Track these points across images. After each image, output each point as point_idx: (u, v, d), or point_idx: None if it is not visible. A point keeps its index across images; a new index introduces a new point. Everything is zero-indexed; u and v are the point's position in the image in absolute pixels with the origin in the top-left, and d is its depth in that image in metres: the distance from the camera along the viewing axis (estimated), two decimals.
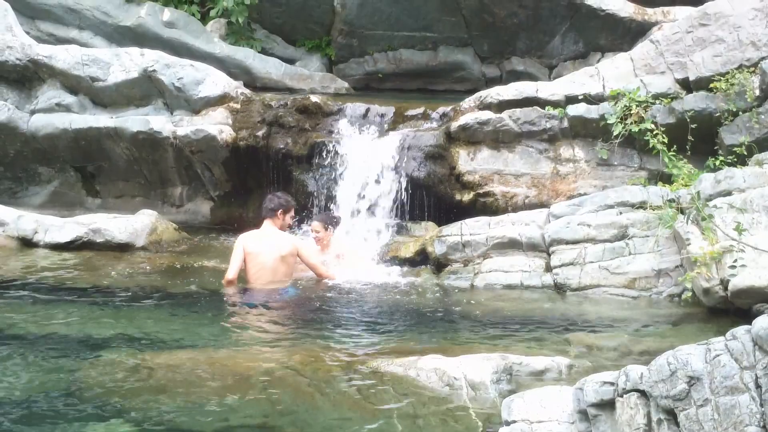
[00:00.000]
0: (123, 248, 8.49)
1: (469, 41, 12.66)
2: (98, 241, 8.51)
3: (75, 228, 8.56)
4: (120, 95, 10.31)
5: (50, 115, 10.30)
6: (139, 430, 3.98)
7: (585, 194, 8.13)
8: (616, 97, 8.67)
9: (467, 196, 8.96)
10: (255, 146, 9.79)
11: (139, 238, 8.66)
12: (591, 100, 8.84)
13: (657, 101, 8.52)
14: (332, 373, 4.80)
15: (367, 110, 9.89)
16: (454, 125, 9.12)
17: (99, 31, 12.64)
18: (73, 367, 4.86)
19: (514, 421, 3.56)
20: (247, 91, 10.47)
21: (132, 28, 12.48)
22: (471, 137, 9.09)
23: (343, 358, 5.12)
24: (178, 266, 7.97)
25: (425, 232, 8.59)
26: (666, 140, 8.19)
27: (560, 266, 7.26)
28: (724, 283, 6.17)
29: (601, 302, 6.84)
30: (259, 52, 12.73)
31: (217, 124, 9.85)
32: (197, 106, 10.11)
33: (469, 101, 9.38)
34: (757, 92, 8.10)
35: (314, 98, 10.03)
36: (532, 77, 11.74)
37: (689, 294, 6.52)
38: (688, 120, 8.23)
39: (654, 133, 8.27)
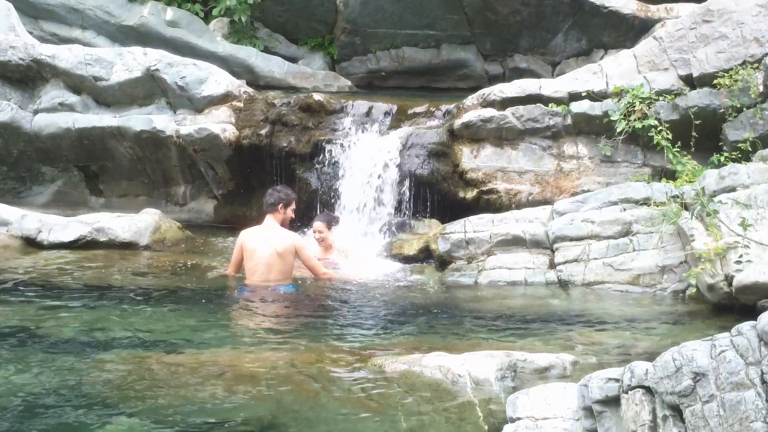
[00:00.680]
0: (127, 247, 8.50)
1: (472, 39, 12.66)
2: (102, 240, 8.53)
3: (79, 227, 8.58)
4: (123, 94, 10.32)
5: (53, 114, 10.31)
6: (144, 430, 3.97)
7: (589, 191, 8.13)
8: (619, 93, 8.66)
9: (471, 194, 8.97)
10: (258, 145, 9.80)
11: (142, 237, 8.67)
12: (594, 97, 8.84)
13: (660, 98, 8.52)
14: (337, 371, 4.80)
15: (370, 108, 9.89)
16: (458, 123, 9.12)
17: (102, 31, 12.66)
18: (77, 366, 4.85)
19: (519, 418, 3.56)
20: (250, 90, 10.48)
21: (135, 28, 12.50)
22: (474, 135, 9.09)
23: (348, 356, 5.11)
24: (182, 265, 7.97)
25: (429, 229, 8.59)
26: (670, 136, 8.19)
27: (564, 263, 7.27)
28: (729, 279, 6.15)
29: (605, 299, 6.83)
30: (261, 51, 12.76)
31: (220, 123, 9.86)
32: (200, 105, 10.12)
33: (472, 99, 9.38)
34: (761, 88, 8.09)
35: (317, 96, 10.04)
36: (535, 74, 11.75)
37: (694, 290, 6.51)
38: (692, 116, 8.23)
39: (658, 129, 8.26)
